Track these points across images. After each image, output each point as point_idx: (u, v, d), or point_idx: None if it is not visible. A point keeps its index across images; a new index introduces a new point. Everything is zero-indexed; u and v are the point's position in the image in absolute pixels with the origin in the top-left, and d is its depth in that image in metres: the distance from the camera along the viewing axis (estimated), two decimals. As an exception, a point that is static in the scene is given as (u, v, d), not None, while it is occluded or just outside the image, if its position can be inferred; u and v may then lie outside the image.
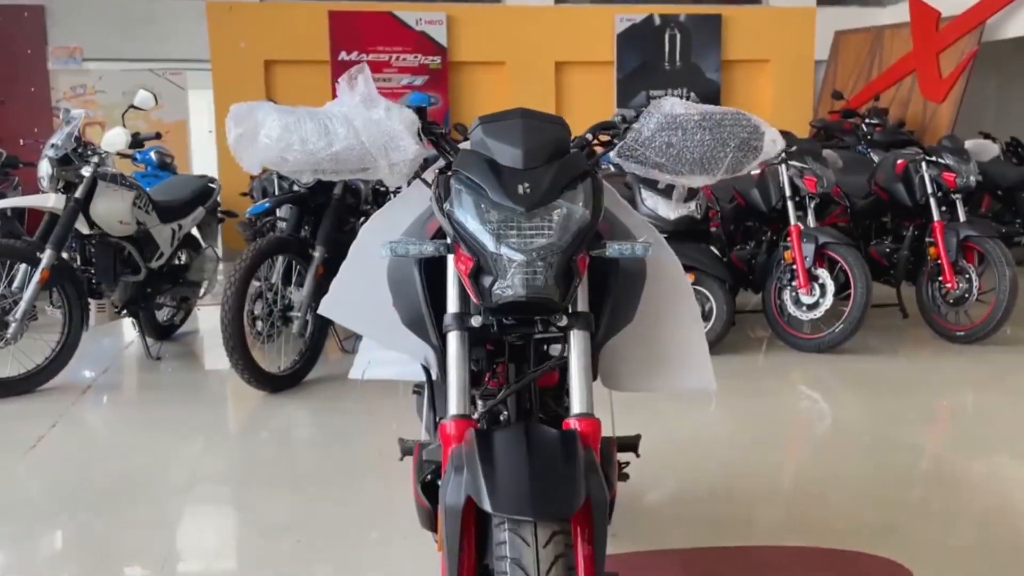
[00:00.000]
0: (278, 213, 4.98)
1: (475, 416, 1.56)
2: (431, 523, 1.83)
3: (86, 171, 4.58)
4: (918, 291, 5.52)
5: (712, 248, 5.22)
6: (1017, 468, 3.35)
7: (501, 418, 1.65)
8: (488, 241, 1.43)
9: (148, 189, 5.27)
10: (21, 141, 9.85)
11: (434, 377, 1.87)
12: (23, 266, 4.50)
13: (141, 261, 4.97)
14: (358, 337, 5.10)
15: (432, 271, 1.64)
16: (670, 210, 5.09)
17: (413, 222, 1.79)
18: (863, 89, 10.39)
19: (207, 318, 6.31)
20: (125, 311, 5.12)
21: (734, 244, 5.78)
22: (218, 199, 5.86)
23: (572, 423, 1.49)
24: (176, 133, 10.16)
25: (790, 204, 5.17)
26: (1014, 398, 4.37)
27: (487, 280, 1.45)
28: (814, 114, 10.80)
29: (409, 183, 1.79)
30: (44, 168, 4.62)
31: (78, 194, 4.57)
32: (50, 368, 4.52)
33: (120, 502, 3.05)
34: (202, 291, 5.72)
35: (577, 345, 1.53)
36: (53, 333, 4.57)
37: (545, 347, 1.69)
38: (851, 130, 9.34)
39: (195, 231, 5.68)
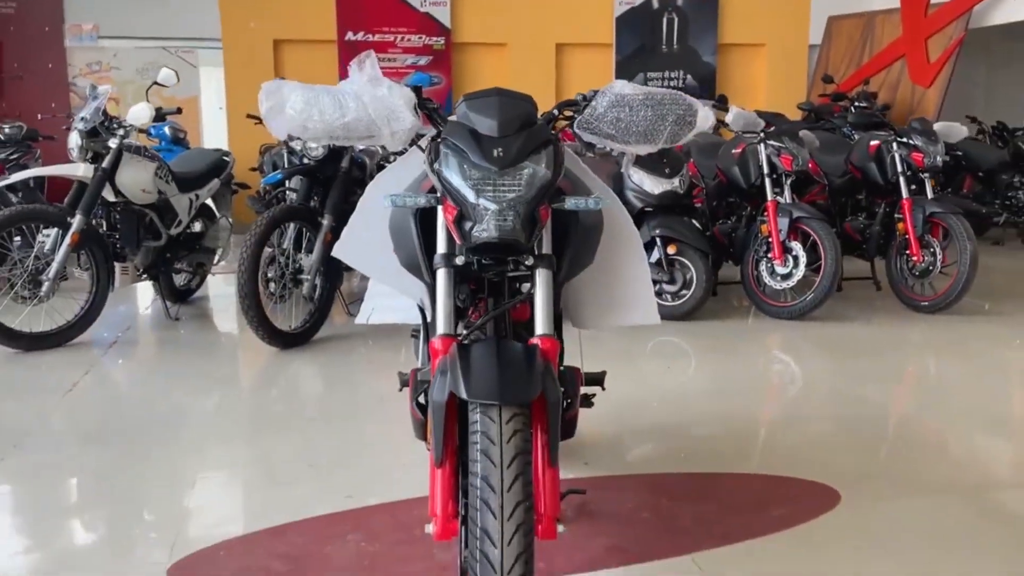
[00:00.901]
0: (288, 184, 5.34)
1: (460, 337, 1.93)
2: (423, 433, 2.21)
3: (113, 143, 4.95)
4: (888, 264, 5.88)
5: (695, 222, 5.58)
6: (960, 422, 3.71)
7: (479, 335, 2.02)
8: (469, 194, 1.79)
9: (168, 161, 5.65)
10: (39, 116, 10.22)
11: (428, 317, 2.25)
12: (54, 230, 4.88)
13: (162, 228, 5.35)
14: (360, 302, 5.50)
15: (424, 222, 2.01)
16: (655, 185, 5.45)
17: (411, 182, 2.16)
18: (854, 73, 10.72)
19: (219, 285, 6.72)
20: (146, 275, 5.49)
21: (717, 219, 6.15)
22: (232, 172, 6.22)
23: (535, 341, 1.86)
24: (188, 109, 10.48)
25: (767, 181, 5.52)
26: (968, 362, 4.74)
27: (468, 225, 1.82)
28: (807, 96, 11.10)
29: (406, 150, 2.15)
30: (74, 140, 4.99)
31: (105, 164, 4.94)
32: (80, 324, 4.91)
33: (149, 438, 3.43)
34: (216, 258, 6.09)
35: (541, 280, 1.90)
36: (81, 293, 4.96)
37: (518, 285, 2.05)
38: (841, 113, 9.68)
39: (210, 201, 6.05)
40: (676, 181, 5.50)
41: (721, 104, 9.15)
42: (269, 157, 7.84)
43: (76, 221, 4.79)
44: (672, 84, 11.58)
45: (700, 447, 3.30)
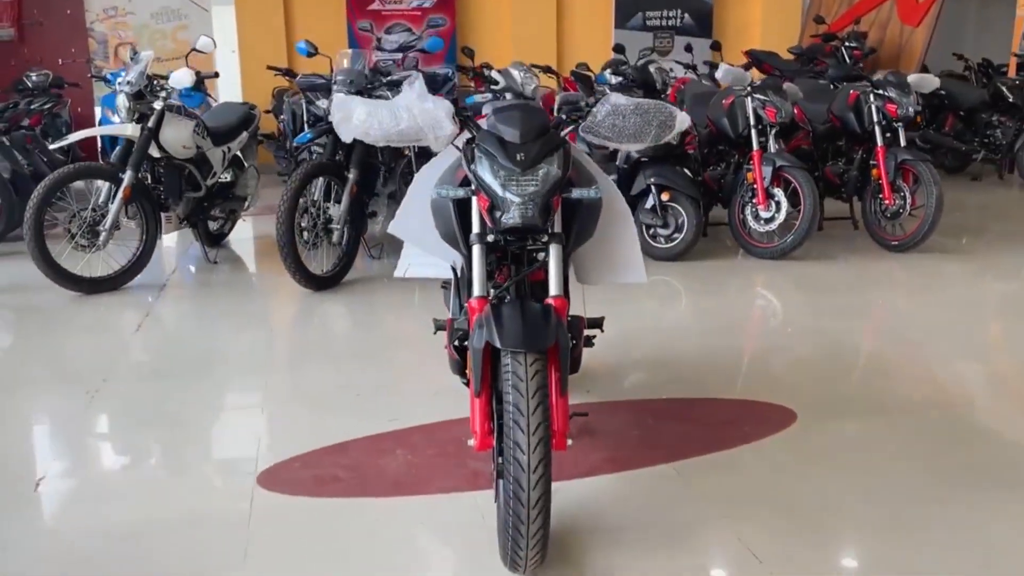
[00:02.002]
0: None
1: (490, 298, 2.49)
2: (460, 369, 2.79)
3: (157, 105, 5.45)
4: (863, 206, 6.42)
5: (686, 170, 6.10)
6: (917, 350, 4.29)
7: (506, 299, 2.58)
8: (498, 189, 2.34)
9: (203, 116, 6.15)
10: (60, 61, 10.65)
11: (459, 275, 2.81)
12: (106, 185, 5.42)
13: (200, 180, 5.88)
14: (382, 246, 6.06)
15: (459, 205, 2.56)
16: (650, 137, 5.95)
17: (447, 171, 2.71)
18: (845, 13, 11.06)
19: (248, 228, 7.28)
20: (186, 222, 6.05)
21: (707, 165, 6.66)
22: (259, 124, 6.72)
23: (549, 301, 2.42)
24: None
25: (753, 132, 6.02)
26: (930, 297, 5.32)
27: (497, 213, 2.37)
28: (800, 36, 11.47)
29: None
30: (121, 102, 5.49)
31: (150, 124, 5.45)
32: (133, 269, 5.48)
33: (213, 371, 4.04)
34: (247, 204, 6.64)
35: (553, 253, 2.45)
36: (130, 241, 5.51)
37: (535, 254, 2.61)
38: (831, 53, 10.09)
39: (239, 152, 6.56)
40: (669, 133, 5.99)
41: (716, 48, 9.58)
42: (288, 106, 8.33)
43: (127, 176, 5.32)
44: (669, 22, 11.95)
45: (684, 376, 3.89)
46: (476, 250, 2.48)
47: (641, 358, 4.15)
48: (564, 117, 2.56)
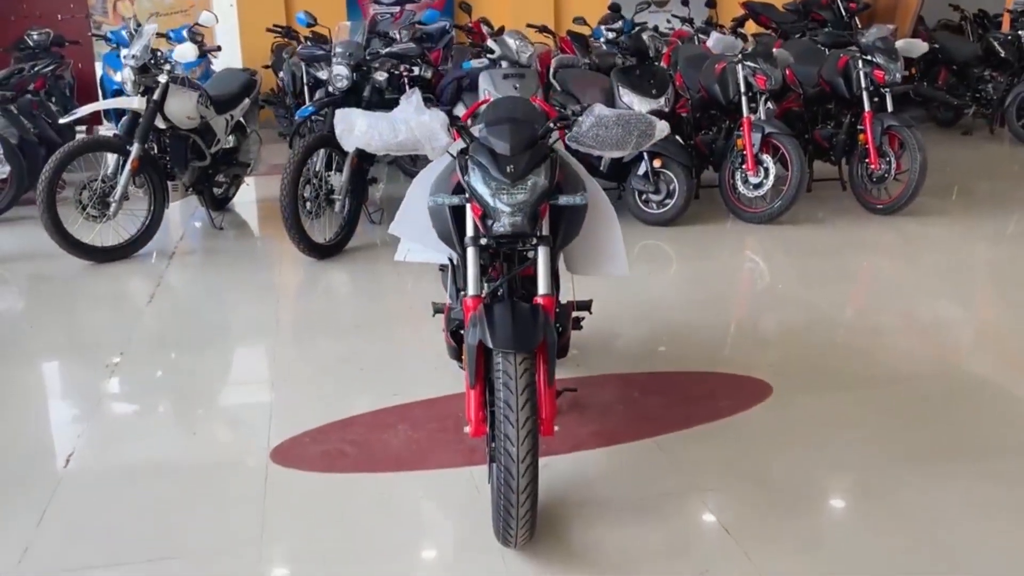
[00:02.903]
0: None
1: (484, 294, 2.71)
2: (456, 355, 3.02)
3: (162, 78, 5.60)
4: (850, 170, 6.60)
5: (677, 138, 6.26)
6: (898, 319, 4.51)
7: (499, 293, 2.80)
8: (489, 199, 2.53)
9: (204, 84, 6.30)
10: (59, 16, 10.70)
11: (455, 266, 3.03)
12: (114, 156, 5.59)
13: (205, 148, 6.05)
14: (382, 211, 6.25)
15: (455, 209, 2.76)
16: (642, 104, 6.10)
17: (443, 173, 2.90)
18: (843, -37, 11.04)
19: (251, 191, 7.46)
20: (192, 190, 6.24)
21: (699, 129, 6.82)
22: (259, 90, 6.86)
23: (538, 299, 2.64)
24: (201, 6, 10.90)
25: (743, 99, 6.16)
26: (915, 261, 5.55)
27: (489, 221, 2.57)
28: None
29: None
30: (127, 75, 5.64)
31: (156, 96, 5.60)
32: (142, 238, 5.69)
33: (224, 342, 4.30)
34: (249, 168, 6.81)
35: (542, 254, 2.66)
36: (139, 210, 5.71)
37: (525, 253, 2.81)
38: (827, 5, 10.13)
39: (242, 118, 6.71)
40: (662, 100, 6.15)
41: (711, 6, 9.63)
42: (287, 67, 8.43)
43: (134, 149, 5.50)
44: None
45: (669, 348, 4.13)
46: (471, 252, 2.69)
47: (630, 328, 4.38)
48: (552, 126, 2.74)
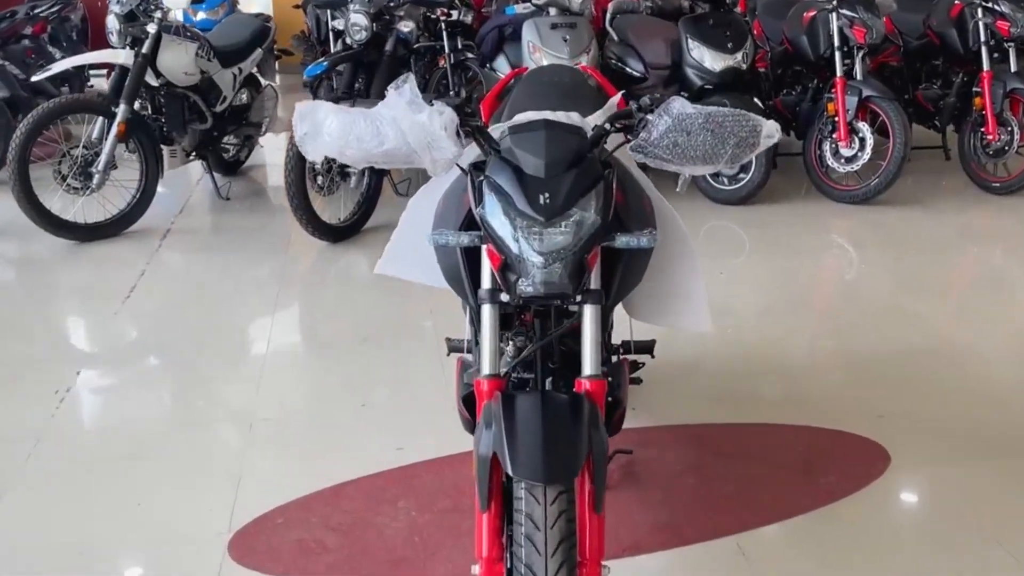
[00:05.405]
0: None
1: (504, 371, 1.90)
2: (471, 429, 2.21)
3: (151, 27, 4.79)
4: (960, 139, 5.60)
5: (756, 100, 5.31)
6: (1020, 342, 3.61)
7: (523, 374, 1.99)
8: (512, 245, 1.70)
9: (208, 34, 5.47)
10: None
11: (472, 334, 2.20)
12: (99, 119, 4.83)
13: (206, 109, 5.26)
14: (409, 181, 5.42)
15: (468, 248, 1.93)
16: (715, 61, 5.17)
17: (451, 195, 2.07)
18: None
19: (267, 153, 6.67)
20: (195, 155, 5.47)
21: (780, 88, 5.84)
22: (274, 37, 6.02)
23: (584, 383, 1.82)
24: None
25: (837, 55, 5.19)
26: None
27: (512, 276, 1.75)
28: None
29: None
30: (112, 23, 4.84)
31: (145, 49, 4.81)
32: (132, 213, 4.95)
33: (197, 363, 3.53)
34: (264, 128, 6.02)
35: (589, 317, 1.83)
36: (132, 178, 4.95)
37: (565, 306, 1.99)
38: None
39: (255, 70, 5.90)
40: (739, 56, 5.20)
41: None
42: (311, 9, 7.56)
43: (120, 111, 4.73)
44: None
45: (744, 385, 3.28)
46: (486, 312, 1.86)
47: (694, 349, 3.53)
48: (608, 127, 1.87)
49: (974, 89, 5.40)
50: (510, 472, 1.64)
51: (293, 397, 3.28)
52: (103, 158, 4.76)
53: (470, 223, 1.91)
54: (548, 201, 1.70)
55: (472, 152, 1.92)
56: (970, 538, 2.42)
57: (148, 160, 4.94)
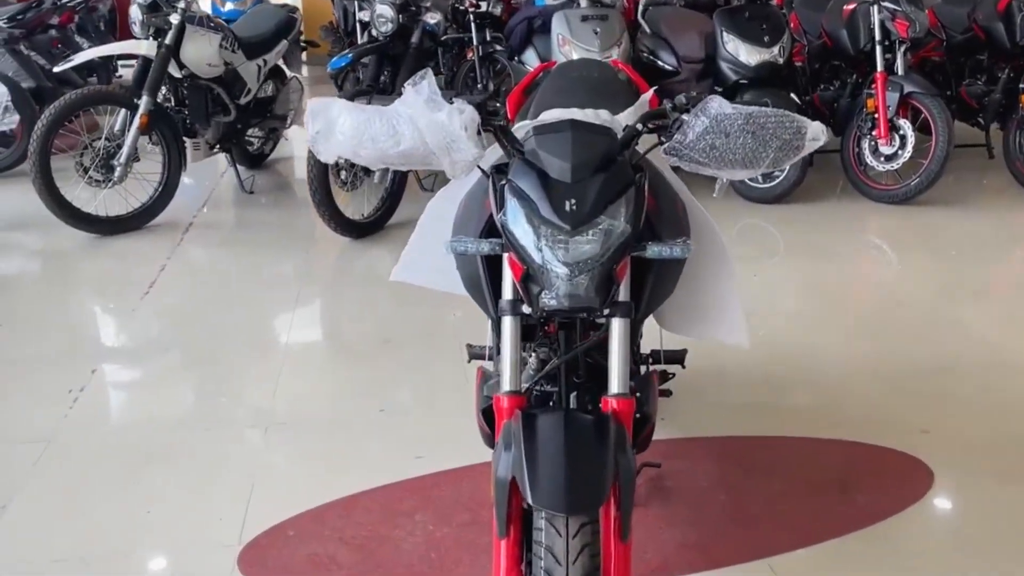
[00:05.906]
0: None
1: (526, 384, 1.79)
2: (491, 443, 2.10)
3: (174, 18, 4.72)
4: (1005, 137, 5.41)
5: (792, 96, 5.14)
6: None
7: (546, 389, 1.88)
8: (536, 255, 1.59)
9: (232, 25, 5.39)
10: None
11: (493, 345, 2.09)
12: (122, 111, 4.76)
13: (230, 101, 5.18)
14: (435, 176, 5.32)
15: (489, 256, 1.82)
16: (751, 55, 5.02)
17: (471, 199, 1.95)
18: None
19: (292, 146, 6.58)
20: (218, 148, 5.40)
21: (818, 83, 5.67)
22: (301, 28, 5.94)
23: (611, 402, 1.70)
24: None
25: (878, 49, 5.01)
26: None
27: (535, 288, 1.63)
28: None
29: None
30: (135, 13, 4.77)
31: (168, 40, 4.74)
32: (154, 206, 4.89)
33: (213, 362, 3.45)
34: (289, 121, 5.93)
35: (617, 330, 1.71)
36: (155, 171, 4.89)
37: (592, 318, 1.87)
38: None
39: (280, 61, 5.82)
40: (775, 50, 5.04)
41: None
42: (339, 1, 7.48)
43: (143, 103, 4.67)
44: None
45: (777, 395, 3.15)
46: (507, 325, 1.75)
47: (723, 359, 3.39)
48: (640, 127, 1.75)
49: (1020, 85, 5.21)
50: (530, 501, 1.53)
51: (310, 400, 3.18)
52: (125, 150, 4.70)
53: (491, 229, 1.79)
54: (574, 208, 1.59)
55: (495, 153, 1.81)
56: (1018, 565, 2.28)
57: (171, 153, 4.87)
